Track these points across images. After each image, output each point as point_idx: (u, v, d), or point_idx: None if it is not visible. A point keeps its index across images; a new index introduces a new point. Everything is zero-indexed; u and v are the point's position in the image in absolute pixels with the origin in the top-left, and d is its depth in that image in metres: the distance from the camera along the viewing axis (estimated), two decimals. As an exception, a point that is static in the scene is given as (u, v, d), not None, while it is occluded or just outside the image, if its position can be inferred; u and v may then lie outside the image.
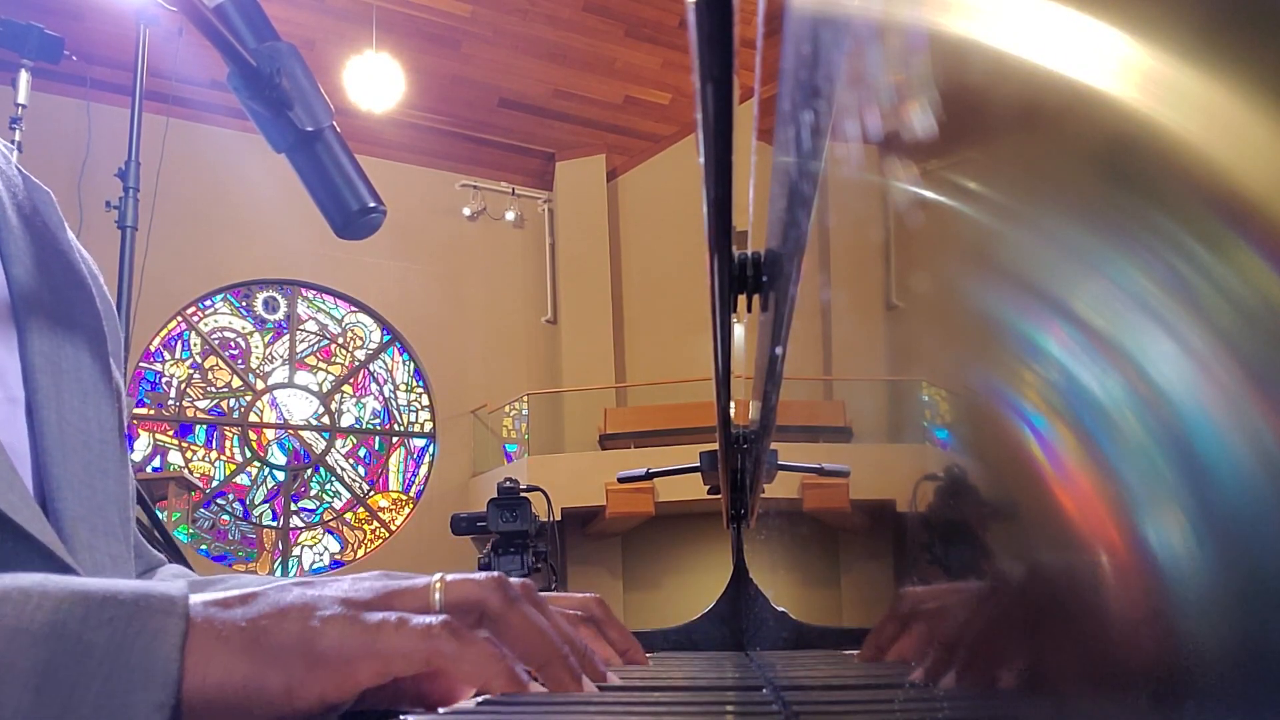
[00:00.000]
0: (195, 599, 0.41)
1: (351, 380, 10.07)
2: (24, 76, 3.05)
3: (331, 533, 9.68)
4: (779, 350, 0.73)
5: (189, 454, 9.15)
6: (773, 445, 0.99)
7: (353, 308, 10.09)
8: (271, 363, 9.79)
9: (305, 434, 9.80)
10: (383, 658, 0.40)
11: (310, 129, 0.79)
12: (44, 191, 0.68)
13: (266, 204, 8.48)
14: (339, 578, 0.45)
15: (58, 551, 0.54)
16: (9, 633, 0.36)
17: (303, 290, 9.92)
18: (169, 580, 0.77)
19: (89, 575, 0.56)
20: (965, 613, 0.28)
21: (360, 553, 9.66)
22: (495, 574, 0.47)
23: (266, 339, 9.79)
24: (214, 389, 9.46)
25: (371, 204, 0.81)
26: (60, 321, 0.63)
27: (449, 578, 0.45)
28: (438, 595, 0.44)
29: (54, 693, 0.35)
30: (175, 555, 2.43)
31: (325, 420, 9.89)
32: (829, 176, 0.50)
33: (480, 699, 0.44)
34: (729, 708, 0.41)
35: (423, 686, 0.47)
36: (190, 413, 9.26)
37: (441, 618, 0.41)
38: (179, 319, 9.25)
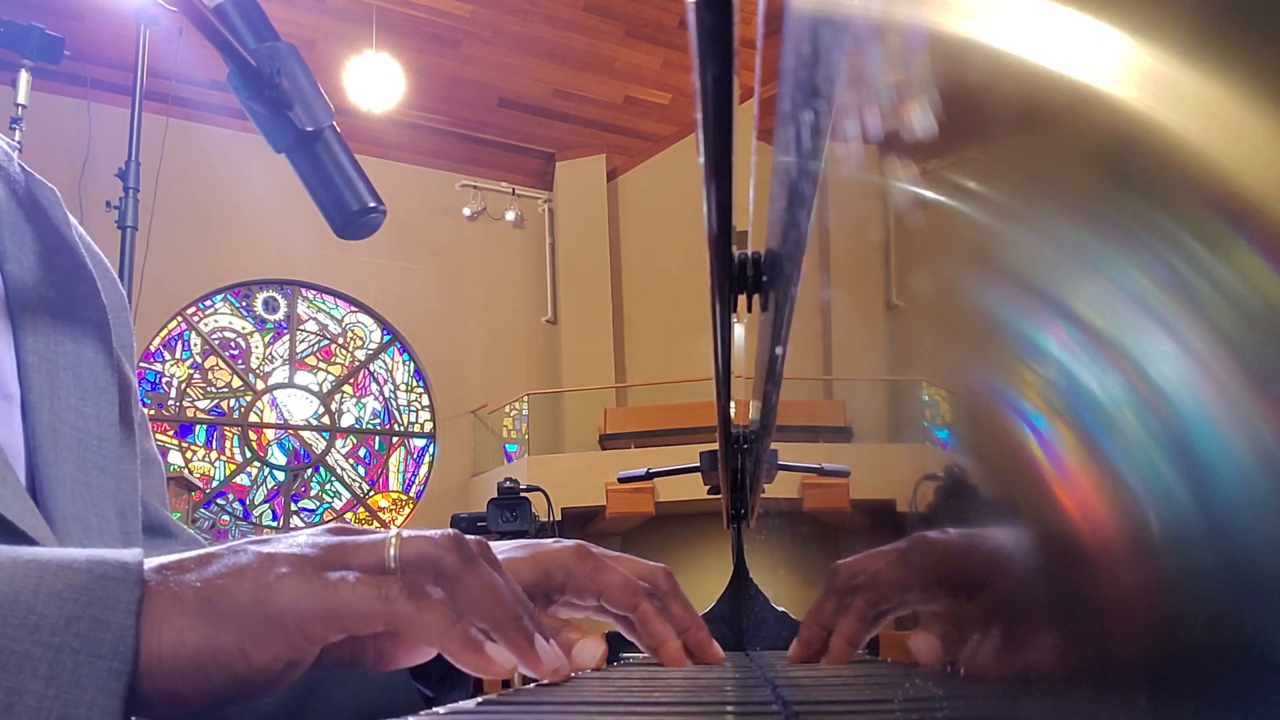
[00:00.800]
0: (151, 562, 0.40)
1: (351, 380, 10.07)
2: (24, 76, 3.05)
3: (331, 533, 9.67)
4: (779, 350, 0.73)
5: (189, 454, 9.15)
6: (773, 445, 0.99)
7: (353, 308, 10.09)
8: (271, 363, 9.79)
9: (305, 434, 9.80)
10: (338, 616, 0.40)
11: (310, 129, 0.79)
12: (48, 188, 0.68)
13: (266, 204, 8.48)
14: (294, 532, 0.45)
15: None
16: None
17: (303, 290, 9.92)
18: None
19: None
20: (948, 593, 0.28)
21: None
22: (451, 531, 0.46)
23: (266, 339, 9.79)
24: (214, 389, 9.46)
25: (371, 204, 0.81)
26: (61, 317, 0.63)
27: (405, 534, 0.45)
28: (393, 551, 0.44)
29: (4, 666, 0.35)
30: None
31: (325, 420, 9.89)
32: (829, 176, 0.50)
33: (480, 699, 0.44)
34: (729, 708, 0.41)
35: (382, 645, 0.47)
36: (190, 413, 9.27)
37: (397, 578, 0.41)
38: (179, 319, 9.25)
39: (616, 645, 1.11)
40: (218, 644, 0.39)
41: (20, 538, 0.52)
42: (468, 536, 0.48)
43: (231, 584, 0.40)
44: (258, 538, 0.43)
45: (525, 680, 0.52)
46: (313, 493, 9.72)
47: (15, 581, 0.37)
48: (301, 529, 0.45)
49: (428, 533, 0.45)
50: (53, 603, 0.37)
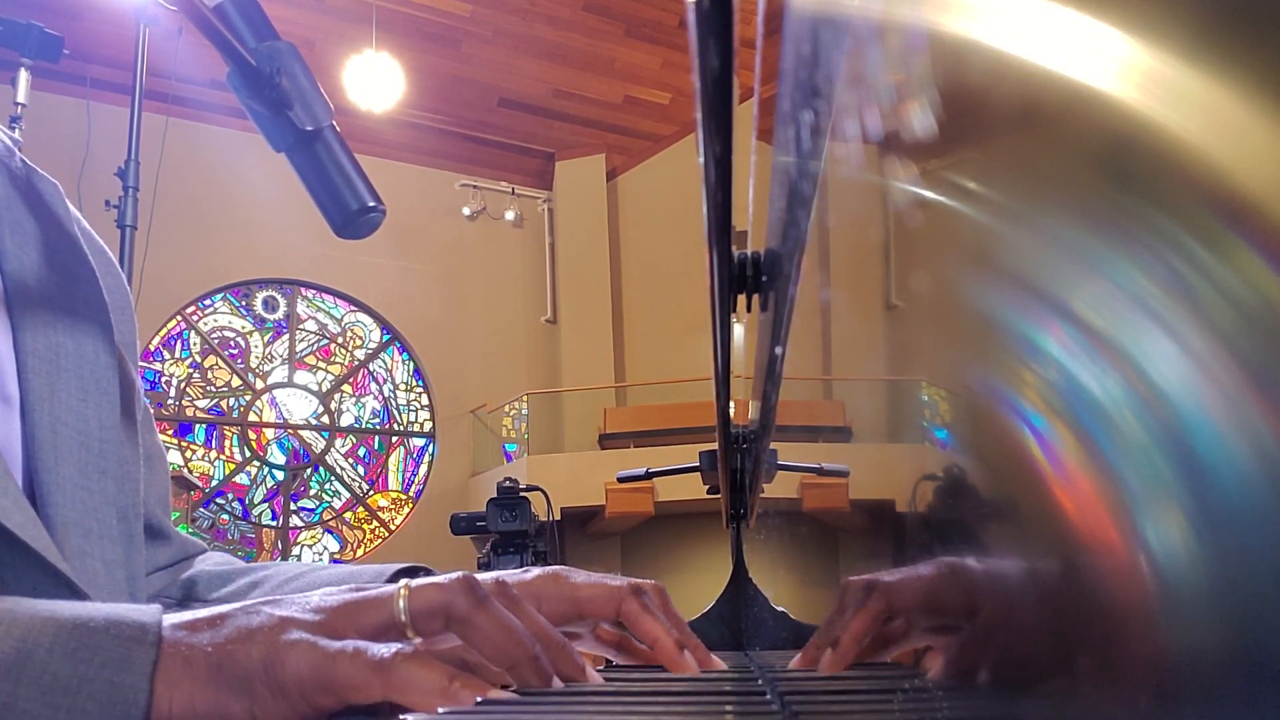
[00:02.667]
0: (168, 620, 0.41)
1: (351, 380, 10.07)
2: (23, 75, 3.05)
3: (331, 532, 9.68)
4: (778, 350, 0.73)
5: (188, 453, 9.15)
6: (772, 445, 0.99)
7: (352, 307, 10.09)
8: (271, 362, 9.79)
9: (305, 433, 9.80)
10: (337, 690, 0.40)
11: (310, 128, 0.79)
12: (50, 182, 0.67)
13: (266, 203, 8.48)
14: (307, 595, 0.45)
15: (50, 557, 0.53)
16: None
17: (302, 290, 9.92)
18: (210, 566, 0.76)
19: (80, 581, 0.55)
20: (957, 609, 0.28)
21: (360, 552, 9.65)
22: (461, 575, 0.46)
23: (266, 338, 9.79)
24: (213, 388, 9.46)
25: (371, 203, 0.81)
26: (62, 314, 0.62)
27: (414, 584, 0.45)
28: (402, 604, 0.44)
29: None
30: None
31: (325, 420, 9.89)
32: (829, 176, 0.50)
33: (479, 699, 0.44)
34: (728, 707, 0.41)
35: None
36: (190, 412, 9.27)
37: (394, 648, 0.41)
38: (178, 318, 9.25)
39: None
40: (227, 710, 0.39)
41: (18, 546, 0.51)
42: (484, 575, 0.48)
43: (241, 650, 0.40)
44: (271, 599, 0.44)
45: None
46: (312, 492, 9.72)
47: (30, 639, 0.37)
48: (312, 594, 0.45)
49: (438, 580, 0.45)
50: (66, 662, 0.37)
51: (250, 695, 0.39)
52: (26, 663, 0.36)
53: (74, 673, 0.37)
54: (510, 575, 0.59)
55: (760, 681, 0.52)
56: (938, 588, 0.33)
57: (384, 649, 0.41)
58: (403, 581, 0.45)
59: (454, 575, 0.46)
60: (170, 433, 9.00)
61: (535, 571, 0.60)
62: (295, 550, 9.48)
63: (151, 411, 0.75)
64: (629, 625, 0.59)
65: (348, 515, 9.79)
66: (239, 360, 9.61)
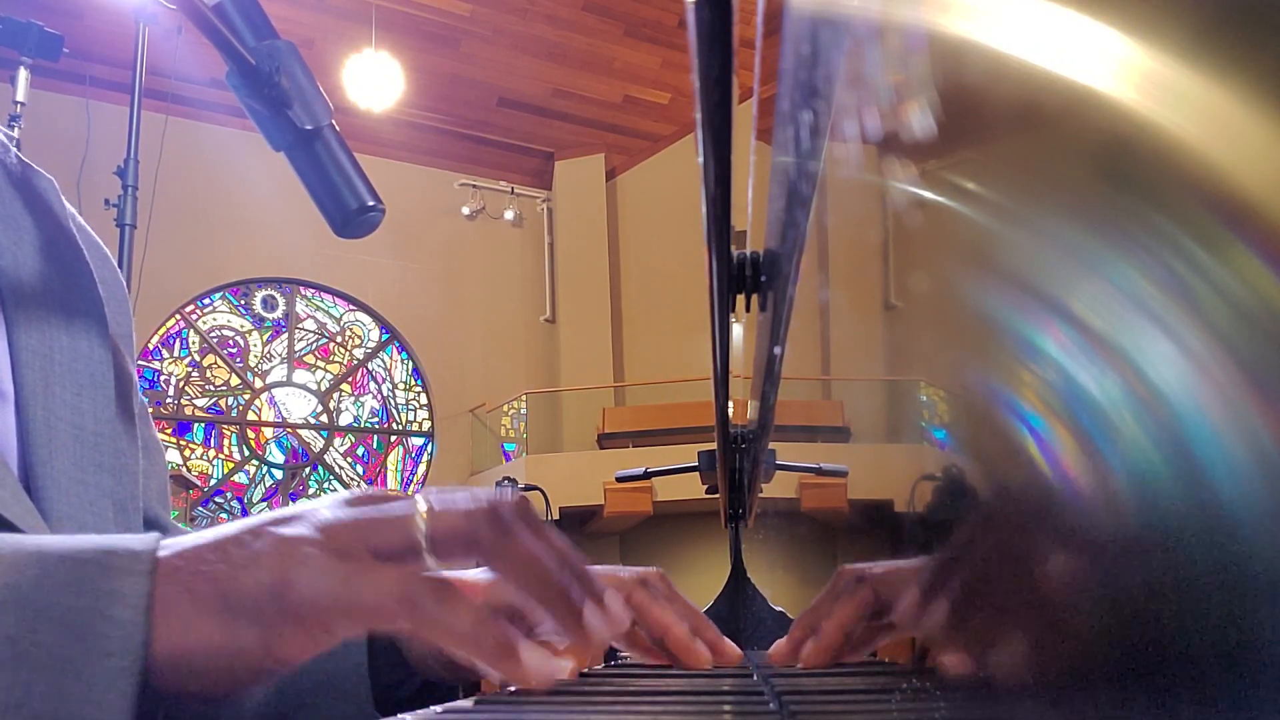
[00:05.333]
0: (168, 544, 0.38)
1: (350, 379, 10.07)
2: (23, 74, 3.05)
3: (329, 531, 9.67)
4: (777, 350, 0.73)
5: (187, 452, 9.15)
6: (771, 445, 0.99)
7: (351, 306, 10.09)
8: (270, 361, 9.79)
9: (304, 432, 9.79)
10: (355, 612, 0.37)
11: (309, 127, 0.79)
12: (46, 178, 0.67)
13: (265, 202, 8.47)
14: (316, 503, 0.42)
15: None
16: None
17: (301, 289, 9.92)
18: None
19: None
20: (952, 607, 0.28)
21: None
22: (485, 499, 0.42)
23: (265, 337, 9.79)
24: (212, 387, 9.46)
25: (370, 203, 0.81)
26: (57, 310, 0.62)
27: (436, 505, 0.41)
28: (422, 526, 0.40)
29: (10, 660, 0.33)
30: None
31: (323, 419, 9.89)
32: (828, 176, 0.50)
33: (474, 698, 0.44)
34: (726, 707, 0.41)
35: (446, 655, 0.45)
36: (189, 411, 9.26)
37: (418, 574, 0.39)
38: (177, 317, 9.25)
39: (612, 648, 1.10)
40: (240, 643, 0.37)
41: None
42: (505, 495, 0.44)
43: (249, 577, 0.37)
44: (277, 515, 0.40)
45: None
46: (311, 491, 9.71)
47: (14, 573, 0.34)
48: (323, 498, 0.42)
49: (460, 504, 0.42)
50: (55, 596, 0.34)
51: (263, 626, 0.37)
52: (14, 597, 0.34)
53: (64, 606, 0.34)
54: None
55: (755, 677, 0.52)
56: (931, 584, 0.33)
57: (408, 575, 0.38)
58: (422, 500, 0.41)
59: (476, 500, 0.42)
60: (169, 432, 9.00)
61: None
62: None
63: (148, 406, 0.75)
64: (638, 616, 0.57)
65: (346, 514, 9.78)
66: (238, 359, 9.61)
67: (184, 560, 0.37)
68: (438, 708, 0.41)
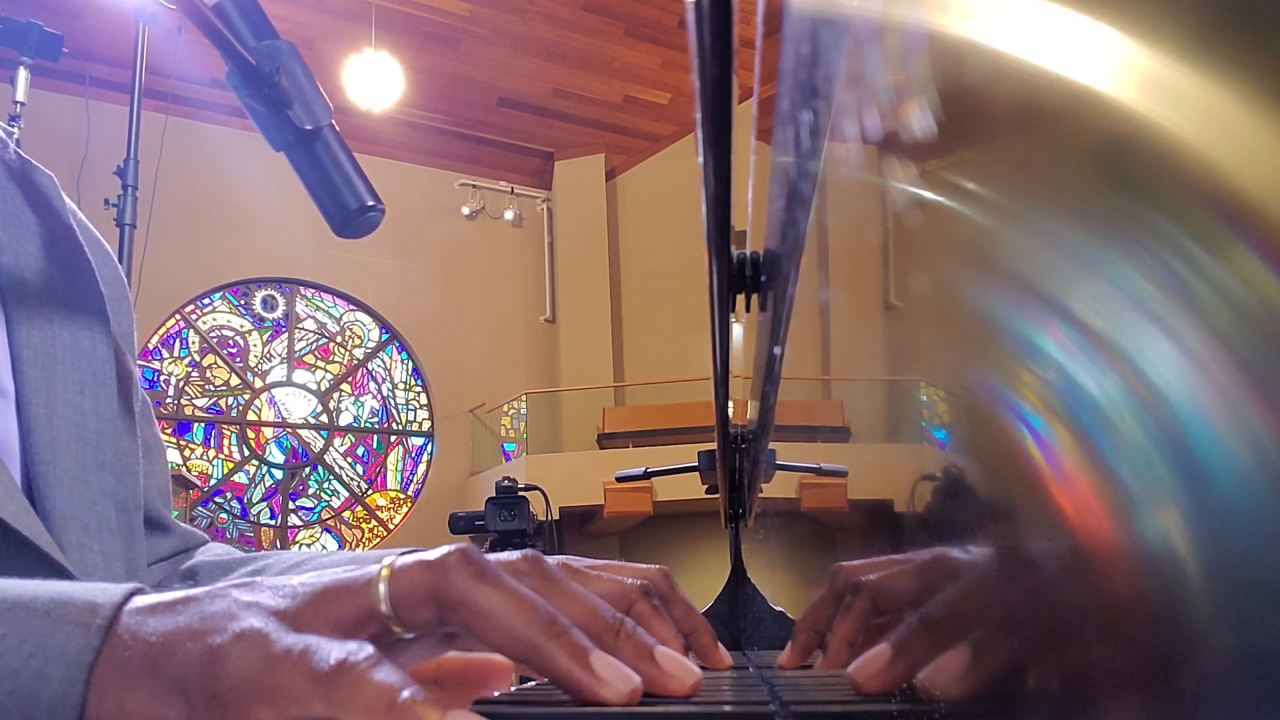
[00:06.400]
0: (137, 603, 0.34)
1: (350, 379, 10.07)
2: (23, 74, 3.05)
3: (329, 531, 9.68)
4: (777, 350, 0.73)
5: (187, 452, 9.15)
6: (771, 445, 0.99)
7: (351, 306, 10.09)
8: (270, 361, 9.79)
9: (303, 432, 9.79)
10: (272, 701, 0.32)
11: (309, 127, 0.79)
12: (46, 174, 0.67)
13: (265, 202, 8.48)
14: (289, 578, 0.37)
15: (47, 549, 0.53)
16: None
17: (301, 289, 9.92)
18: (211, 557, 0.73)
19: (79, 574, 0.55)
20: (956, 611, 0.28)
21: (358, 551, 9.65)
22: (456, 547, 0.36)
23: (265, 337, 9.79)
24: (212, 387, 9.46)
25: (370, 202, 0.81)
26: (58, 307, 0.62)
27: (398, 563, 0.36)
28: (382, 589, 0.35)
29: None
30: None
31: (323, 419, 9.89)
32: (828, 176, 0.50)
33: (475, 699, 0.44)
34: (726, 707, 0.41)
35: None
36: (188, 411, 9.26)
37: (347, 652, 0.32)
38: (177, 317, 9.25)
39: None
40: (163, 716, 0.32)
41: (14, 539, 0.51)
42: (511, 555, 0.39)
43: (183, 645, 0.33)
44: (248, 581, 0.36)
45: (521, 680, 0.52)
46: (310, 491, 9.72)
47: None
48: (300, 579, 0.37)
49: (424, 556, 0.36)
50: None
51: (188, 701, 0.32)
52: None
53: (1, 660, 0.31)
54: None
55: (758, 681, 0.52)
56: (930, 586, 0.33)
57: (337, 652, 0.32)
58: (385, 559, 0.37)
59: (443, 550, 0.36)
60: (169, 431, 9.00)
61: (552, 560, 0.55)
62: (294, 549, 9.47)
63: (150, 404, 0.75)
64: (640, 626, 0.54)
65: (346, 514, 9.79)
66: (238, 359, 9.61)
67: (142, 615, 0.34)
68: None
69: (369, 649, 0.32)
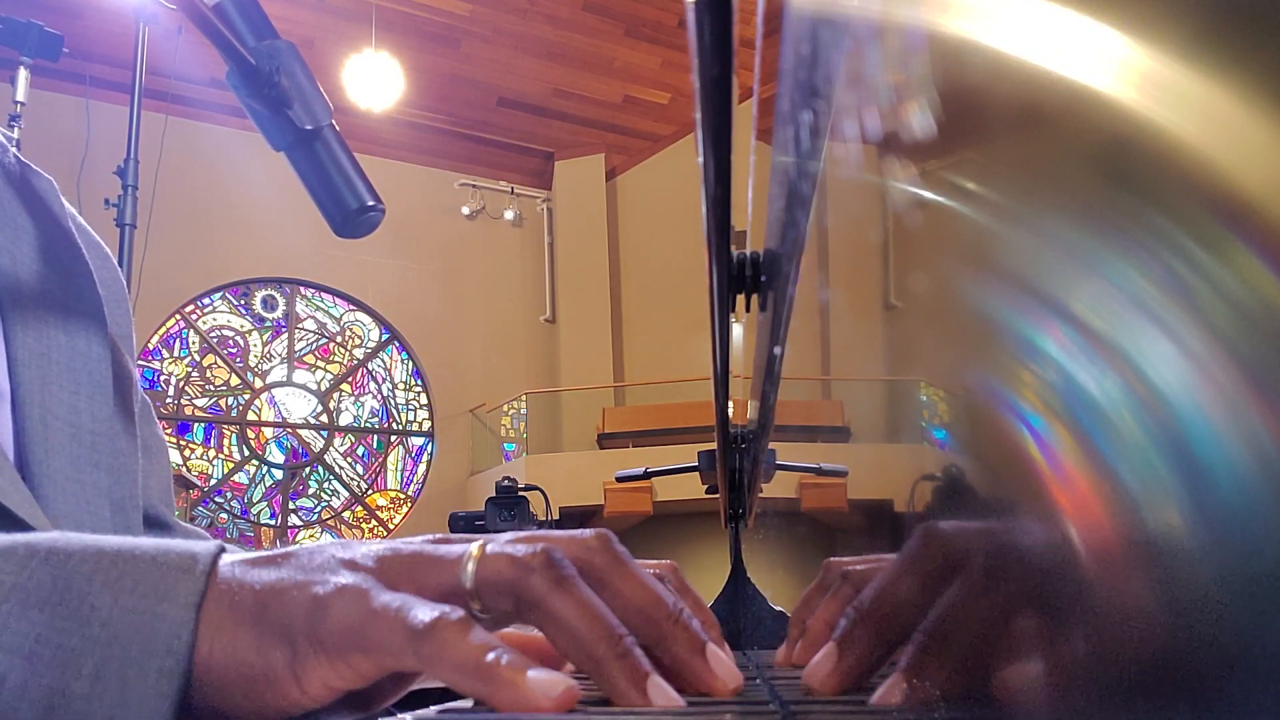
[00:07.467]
0: (229, 558, 0.36)
1: (350, 379, 10.07)
2: (23, 74, 3.05)
3: (330, 531, 9.68)
4: (777, 350, 0.73)
5: (187, 452, 9.15)
6: (771, 445, 0.99)
7: (351, 306, 10.09)
8: (270, 361, 9.79)
9: (303, 432, 9.80)
10: (371, 652, 0.35)
11: (309, 127, 0.79)
12: (45, 178, 0.67)
13: (265, 202, 8.47)
14: (384, 540, 0.39)
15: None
16: (4, 592, 0.33)
17: (301, 289, 9.92)
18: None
19: None
20: (955, 615, 0.28)
21: (358, 551, 9.65)
22: (543, 547, 0.38)
23: (265, 337, 9.79)
24: (212, 387, 9.46)
25: (370, 202, 0.81)
26: (55, 309, 0.62)
27: (490, 548, 0.38)
28: (470, 568, 0.37)
29: (49, 659, 0.32)
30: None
31: (323, 419, 9.89)
32: (828, 176, 0.50)
33: (474, 700, 0.44)
34: (726, 707, 0.41)
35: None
36: (188, 411, 9.27)
37: (440, 612, 0.35)
38: (177, 317, 9.25)
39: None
40: (269, 661, 0.34)
41: (17, 524, 0.52)
42: (588, 536, 0.40)
43: (289, 593, 0.35)
44: (345, 541, 0.39)
45: None
46: (310, 491, 9.72)
47: (69, 568, 0.34)
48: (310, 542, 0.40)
49: (513, 551, 0.38)
50: (106, 592, 0.33)
51: (292, 645, 0.34)
52: (63, 593, 0.33)
53: (114, 603, 0.33)
54: (547, 536, 0.53)
55: (758, 680, 0.52)
56: (928, 587, 0.33)
57: (432, 612, 0.34)
58: (479, 541, 0.39)
59: (533, 547, 0.38)
60: (169, 431, 9.00)
61: (578, 535, 0.53)
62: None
63: (150, 404, 0.75)
64: None
65: (346, 514, 9.80)
66: (238, 359, 9.61)
67: (242, 568, 0.36)
68: (436, 708, 0.41)
69: (460, 611, 0.35)
